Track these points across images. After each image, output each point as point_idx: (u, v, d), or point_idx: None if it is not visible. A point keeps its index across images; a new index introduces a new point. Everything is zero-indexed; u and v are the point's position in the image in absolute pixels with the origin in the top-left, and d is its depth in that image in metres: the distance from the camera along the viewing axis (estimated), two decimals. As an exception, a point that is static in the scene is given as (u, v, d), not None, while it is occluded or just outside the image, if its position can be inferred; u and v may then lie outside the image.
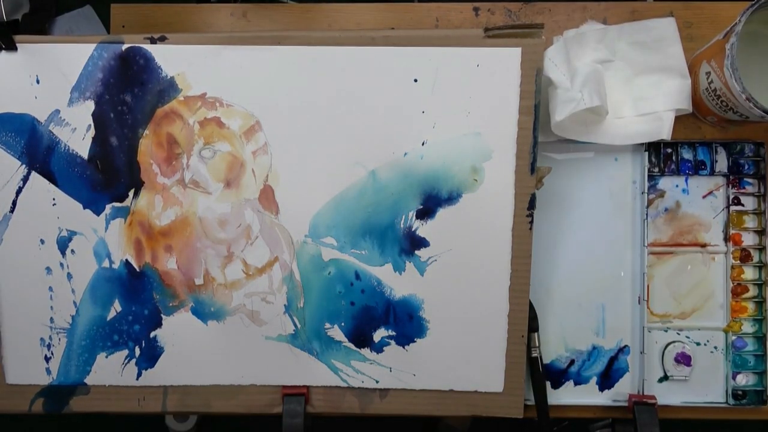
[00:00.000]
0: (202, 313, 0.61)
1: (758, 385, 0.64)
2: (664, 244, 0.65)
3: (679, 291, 0.65)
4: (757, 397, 0.64)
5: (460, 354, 0.61)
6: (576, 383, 0.66)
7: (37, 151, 0.59)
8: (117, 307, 0.61)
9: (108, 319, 0.61)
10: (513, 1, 0.67)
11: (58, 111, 0.58)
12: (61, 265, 0.60)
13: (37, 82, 0.58)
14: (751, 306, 0.65)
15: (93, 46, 0.57)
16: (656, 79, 0.62)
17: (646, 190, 0.64)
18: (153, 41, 0.57)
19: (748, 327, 0.65)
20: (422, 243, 0.59)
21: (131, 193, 0.59)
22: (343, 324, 0.61)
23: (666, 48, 0.62)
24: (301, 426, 0.60)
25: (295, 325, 0.61)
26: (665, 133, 0.61)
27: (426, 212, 0.59)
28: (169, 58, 0.57)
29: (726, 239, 0.65)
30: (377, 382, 0.62)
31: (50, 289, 0.61)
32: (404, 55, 0.57)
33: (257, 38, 0.57)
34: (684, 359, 0.64)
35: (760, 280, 0.65)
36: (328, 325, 0.61)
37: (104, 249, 0.60)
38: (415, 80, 0.57)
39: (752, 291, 0.65)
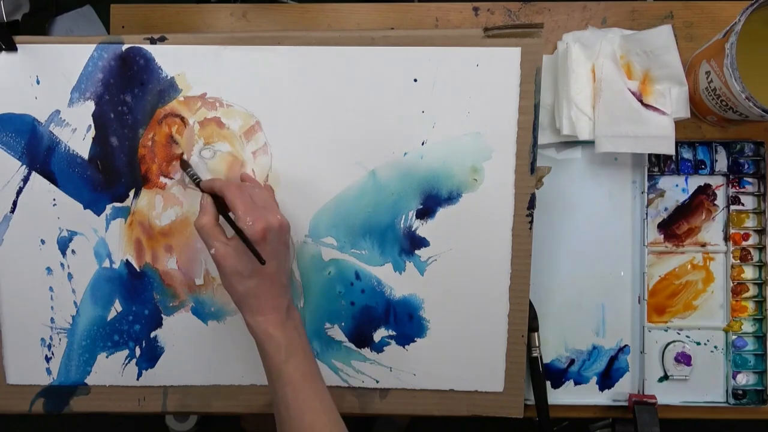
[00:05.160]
0: (203, 313, 0.61)
1: (758, 384, 0.64)
2: (664, 243, 0.65)
3: (679, 290, 0.65)
4: (757, 396, 0.64)
5: (460, 354, 0.61)
6: (576, 383, 0.66)
7: (38, 151, 0.59)
8: (117, 307, 0.61)
9: (108, 319, 0.61)
10: (513, 0, 0.67)
11: (58, 111, 0.58)
12: (62, 265, 0.60)
13: (38, 82, 0.58)
14: (751, 305, 0.65)
15: (93, 46, 0.57)
16: (654, 88, 0.62)
17: (645, 190, 0.64)
18: (153, 41, 0.57)
19: (748, 326, 0.65)
20: (422, 243, 0.59)
21: (131, 193, 0.59)
22: (343, 324, 0.61)
23: (662, 56, 0.61)
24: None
25: (296, 325, 0.61)
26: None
27: (426, 212, 0.59)
28: (169, 58, 0.57)
29: (726, 239, 0.65)
30: (377, 381, 0.62)
31: (51, 289, 0.61)
32: (404, 55, 0.57)
33: (257, 38, 0.57)
34: (684, 359, 0.64)
35: (760, 279, 0.65)
36: (328, 325, 0.61)
37: (105, 249, 0.60)
38: (415, 80, 0.57)
39: (752, 290, 0.65)
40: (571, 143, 0.64)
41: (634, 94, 0.61)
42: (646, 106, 0.61)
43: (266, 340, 0.50)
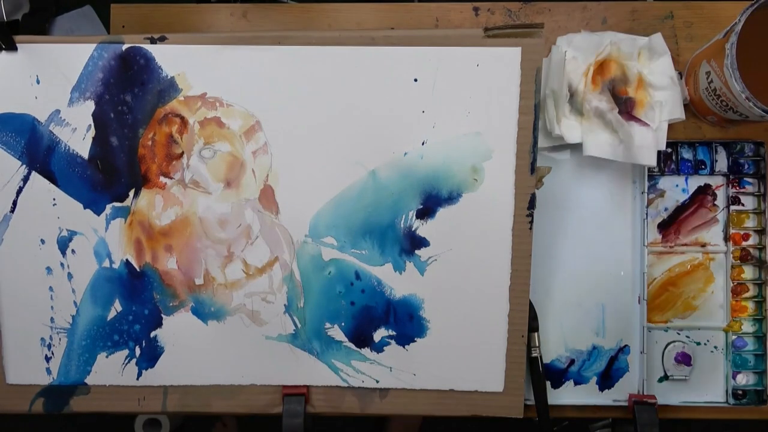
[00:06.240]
0: (203, 313, 0.61)
1: (758, 384, 0.65)
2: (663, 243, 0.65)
3: (679, 290, 0.65)
4: (757, 396, 0.64)
5: (460, 354, 0.61)
6: (576, 383, 0.66)
7: (38, 151, 0.59)
8: (117, 306, 0.61)
9: (108, 318, 0.61)
10: (513, 0, 0.67)
11: (58, 111, 0.58)
12: (62, 264, 0.60)
13: (38, 82, 0.58)
14: (751, 305, 0.65)
15: (93, 46, 0.57)
16: (648, 98, 0.62)
17: (645, 190, 0.64)
18: (153, 41, 0.57)
19: (748, 326, 0.65)
20: (422, 243, 0.59)
21: (131, 193, 0.59)
22: (343, 324, 0.61)
23: (655, 61, 0.62)
24: (301, 426, 0.60)
25: (296, 325, 0.61)
26: (649, 159, 0.61)
27: (426, 212, 0.59)
28: (169, 58, 0.57)
29: (726, 239, 0.65)
30: (377, 381, 0.62)
31: (50, 288, 0.61)
32: (404, 55, 0.57)
33: (257, 38, 0.57)
34: (684, 359, 0.64)
35: (760, 279, 0.65)
36: (328, 325, 0.61)
37: (104, 249, 0.60)
38: (415, 80, 0.57)
39: (752, 290, 0.65)
40: (568, 144, 0.64)
41: (627, 101, 0.61)
42: (632, 118, 0.61)
43: None
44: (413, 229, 0.59)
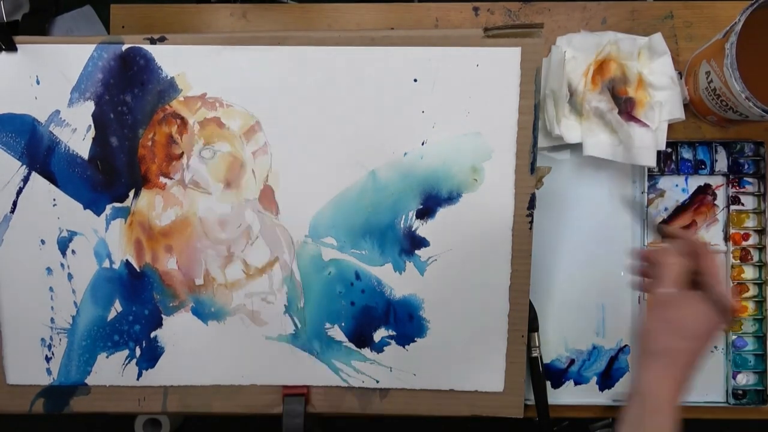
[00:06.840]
0: (203, 313, 0.61)
1: (758, 384, 0.64)
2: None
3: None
4: (757, 396, 0.64)
5: (460, 354, 0.61)
6: (576, 383, 0.66)
7: (38, 151, 0.59)
8: (117, 307, 0.61)
9: (108, 319, 0.61)
10: (513, 0, 0.67)
11: (58, 111, 0.58)
12: (62, 265, 0.60)
13: (38, 82, 0.58)
14: (751, 305, 0.65)
15: (93, 46, 0.57)
16: (648, 98, 0.62)
17: (645, 190, 0.64)
18: (153, 42, 0.57)
19: (748, 326, 0.65)
20: (422, 243, 0.59)
21: (131, 194, 0.59)
22: (343, 324, 0.61)
23: (655, 61, 0.62)
24: (302, 426, 0.60)
25: (296, 325, 0.61)
26: (650, 160, 0.61)
27: (426, 212, 0.59)
28: (169, 58, 0.57)
29: (726, 238, 0.65)
30: (377, 381, 0.62)
31: (51, 289, 0.61)
32: (404, 55, 0.57)
33: (257, 38, 0.57)
34: (684, 359, 0.64)
35: (760, 279, 0.65)
36: (328, 325, 0.61)
37: (105, 249, 0.60)
38: (415, 80, 0.57)
39: (752, 290, 0.65)
40: (568, 144, 0.64)
41: (627, 101, 0.61)
42: (632, 118, 0.61)
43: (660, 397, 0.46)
44: (413, 229, 0.59)
